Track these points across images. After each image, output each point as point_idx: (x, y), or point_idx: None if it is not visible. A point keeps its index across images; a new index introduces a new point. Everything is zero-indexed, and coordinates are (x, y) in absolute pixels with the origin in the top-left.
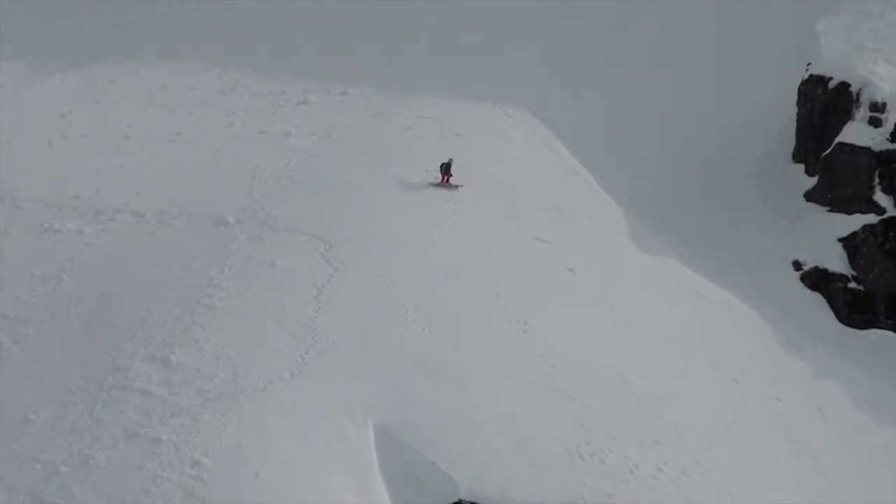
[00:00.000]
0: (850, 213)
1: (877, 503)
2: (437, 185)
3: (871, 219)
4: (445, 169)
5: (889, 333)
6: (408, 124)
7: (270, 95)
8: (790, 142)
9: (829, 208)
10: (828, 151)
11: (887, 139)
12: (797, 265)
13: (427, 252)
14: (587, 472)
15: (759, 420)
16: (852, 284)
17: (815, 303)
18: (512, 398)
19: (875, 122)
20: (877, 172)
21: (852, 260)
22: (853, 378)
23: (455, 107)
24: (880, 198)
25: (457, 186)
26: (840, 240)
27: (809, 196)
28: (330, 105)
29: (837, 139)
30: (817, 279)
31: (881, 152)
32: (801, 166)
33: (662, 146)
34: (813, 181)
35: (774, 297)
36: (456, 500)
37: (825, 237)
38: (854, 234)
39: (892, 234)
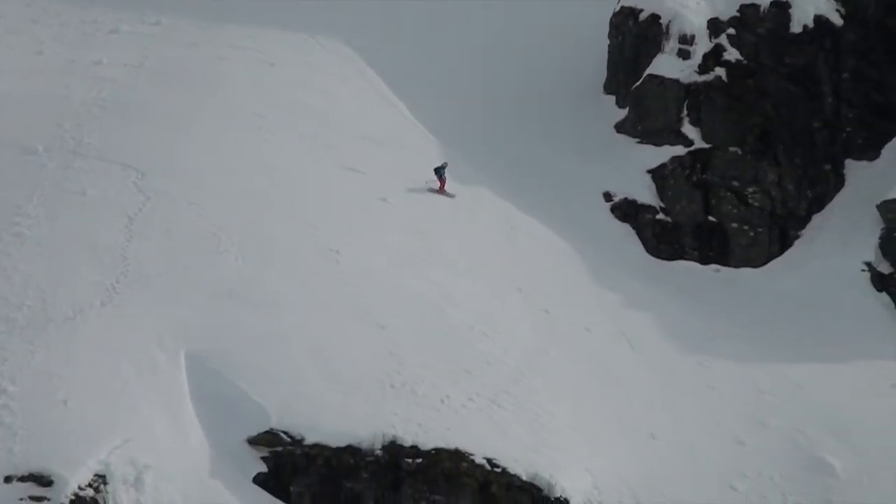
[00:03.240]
0: (659, 144)
1: (683, 430)
2: (436, 191)
3: (680, 151)
4: (441, 173)
5: (695, 265)
6: (221, 54)
7: (81, 24)
8: (602, 73)
9: (638, 140)
10: (638, 83)
11: (696, 71)
12: (608, 196)
13: (240, 181)
14: (398, 401)
15: (569, 350)
16: (660, 216)
17: (625, 234)
18: (323, 327)
19: (684, 55)
20: (685, 104)
21: (661, 191)
22: (660, 308)
23: (268, 36)
24: (688, 130)
25: (452, 196)
26: (649, 171)
27: (620, 128)
28: (142, 35)
29: (647, 71)
30: (627, 210)
31: (689, 84)
32: (613, 98)
33: (478, 77)
34: (624, 113)
35: (585, 228)
36: (266, 428)
37: (635, 169)
38: (662, 165)
39: (699, 166)
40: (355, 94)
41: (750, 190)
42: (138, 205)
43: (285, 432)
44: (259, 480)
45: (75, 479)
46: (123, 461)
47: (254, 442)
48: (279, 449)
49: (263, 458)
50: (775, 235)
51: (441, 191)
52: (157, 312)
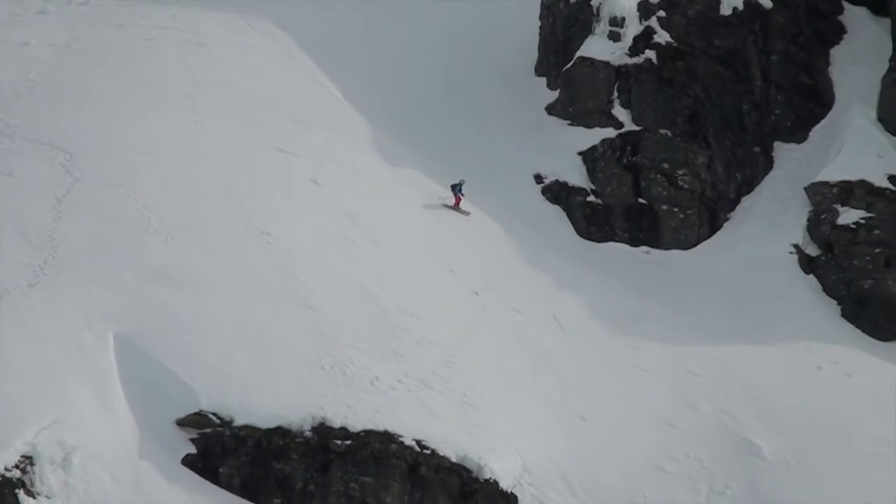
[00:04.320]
0: (589, 126)
1: (612, 412)
2: (451, 207)
3: (610, 133)
4: (458, 190)
5: (625, 246)
6: (149, 35)
7: (8, 4)
8: (533, 56)
9: (569, 122)
10: (569, 66)
11: (626, 53)
12: (538, 178)
13: (169, 163)
14: (327, 383)
15: (499, 331)
16: (591, 198)
17: (556, 215)
18: (253, 309)
19: (614, 37)
20: (615, 87)
21: (591, 173)
22: (591, 290)
23: (197, 17)
24: (619, 112)
25: (467, 213)
26: (580, 153)
27: (551, 110)
28: (70, 15)
29: (578, 53)
30: (558, 192)
31: (620, 66)
32: (544, 80)
33: (409, 59)
34: (554, 95)
35: (516, 210)
36: (195, 410)
37: (565, 151)
38: (593, 147)
39: (629, 148)
40: (285, 74)
41: (680, 172)
42: (66, 186)
43: (214, 414)
44: (188, 462)
45: (1, 460)
46: (51, 442)
47: (183, 423)
48: (208, 430)
49: (192, 440)
50: (705, 218)
51: (456, 207)
52: (86, 294)
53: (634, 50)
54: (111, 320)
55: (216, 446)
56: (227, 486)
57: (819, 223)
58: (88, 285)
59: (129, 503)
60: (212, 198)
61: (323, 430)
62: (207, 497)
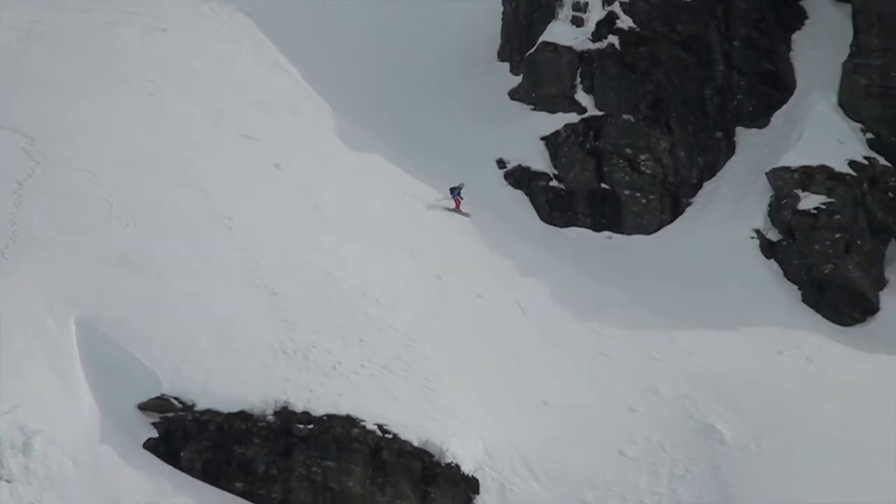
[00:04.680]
0: (552, 111)
1: (574, 397)
2: (452, 210)
3: (573, 118)
4: (457, 193)
5: (588, 231)
6: (113, 20)
7: None
8: (496, 41)
9: (532, 107)
10: (532, 51)
11: (589, 39)
12: (501, 163)
13: (132, 148)
14: (290, 367)
15: (461, 316)
16: (554, 183)
17: (518, 200)
18: (215, 293)
19: (578, 22)
20: (579, 72)
21: (554, 158)
22: (553, 275)
23: (160, 2)
24: (582, 97)
25: (468, 215)
26: (542, 138)
27: (514, 95)
28: (33, 0)
29: (541, 38)
30: (520, 177)
31: (583, 52)
32: (507, 65)
33: (372, 45)
34: (517, 80)
35: (479, 195)
36: (157, 394)
37: (528, 136)
38: (556, 132)
39: (592, 133)
40: (248, 60)
41: (642, 157)
42: (28, 170)
43: (176, 398)
44: (150, 446)
45: None
46: (11, 427)
47: (144, 408)
48: (170, 415)
49: (154, 424)
50: (667, 203)
51: (457, 210)
52: (48, 278)
53: (597, 35)
54: (73, 305)
55: (178, 430)
56: (189, 471)
57: (780, 208)
58: (50, 270)
59: (90, 487)
60: (175, 183)
61: (285, 415)
62: (169, 481)
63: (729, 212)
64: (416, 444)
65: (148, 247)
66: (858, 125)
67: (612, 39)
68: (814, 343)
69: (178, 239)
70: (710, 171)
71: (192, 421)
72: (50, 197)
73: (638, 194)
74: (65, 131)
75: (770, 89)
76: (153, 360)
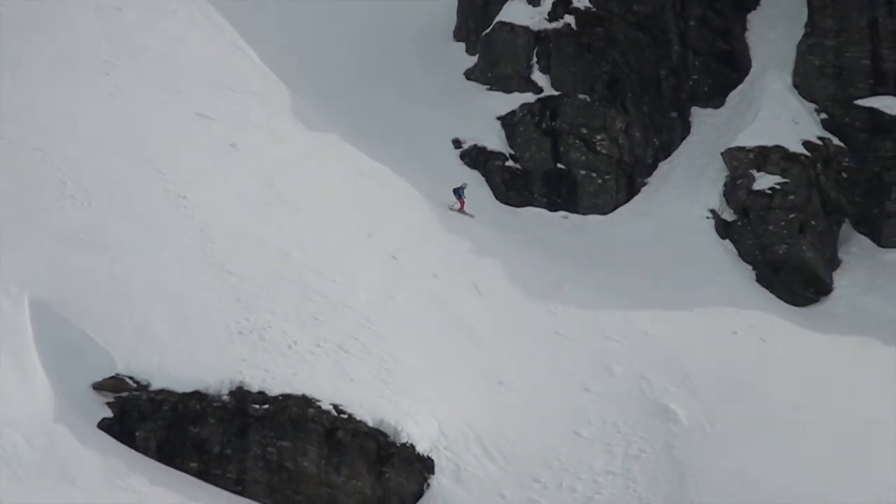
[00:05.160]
0: (508, 91)
1: (529, 377)
2: (457, 210)
3: (529, 98)
4: (461, 193)
5: (543, 211)
6: None
7: None
8: (452, 20)
9: (488, 87)
10: (488, 30)
11: (545, 18)
12: (457, 143)
13: (87, 127)
14: (245, 348)
15: (417, 296)
16: (510, 163)
17: (474, 180)
18: (171, 273)
19: (534, 2)
20: (535, 52)
21: (510, 138)
22: (508, 254)
23: None
24: (538, 77)
25: (472, 216)
26: (498, 118)
27: (470, 75)
28: None
29: (497, 18)
30: (476, 157)
31: (539, 31)
32: (463, 45)
33: (328, 23)
34: (473, 60)
35: (435, 175)
36: (112, 374)
37: (484, 116)
38: (512, 112)
39: (548, 113)
40: (204, 39)
41: (598, 137)
42: None
43: (131, 378)
44: (104, 426)
45: None
46: None
47: (99, 387)
48: (125, 394)
49: (109, 404)
50: (623, 183)
51: (461, 210)
52: (1, 258)
53: (554, 15)
54: (27, 285)
55: (133, 410)
56: (144, 450)
57: (735, 188)
58: (4, 250)
59: (44, 467)
60: (130, 162)
61: (240, 395)
62: (123, 461)
63: (684, 192)
64: (371, 424)
65: (103, 226)
66: (813, 105)
67: (569, 19)
68: (768, 323)
69: (133, 218)
70: (666, 151)
71: (147, 401)
72: (4, 177)
73: (594, 174)
74: (18, 111)
75: (725, 69)
76: (108, 340)
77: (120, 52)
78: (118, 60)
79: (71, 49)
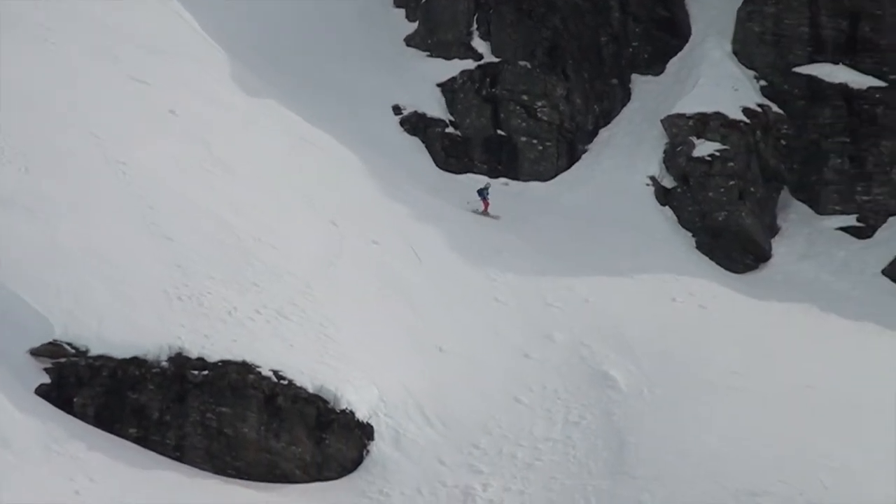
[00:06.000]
0: (448, 58)
1: (469, 343)
2: (480, 213)
3: (469, 64)
4: (485, 194)
5: (484, 178)
6: None
7: None
8: None
9: (428, 53)
10: None
11: None
12: (397, 109)
13: (23, 91)
14: (184, 313)
15: (357, 262)
16: (450, 129)
17: (414, 147)
18: (109, 239)
19: None
20: (475, 18)
21: (450, 105)
22: (448, 221)
23: None
24: (478, 44)
25: (497, 217)
26: (439, 85)
27: (410, 41)
28: None
29: None
30: (416, 123)
31: None
32: (403, 11)
33: None
34: (414, 26)
35: (375, 141)
36: (50, 339)
37: (424, 82)
38: (452, 79)
39: (488, 80)
40: (141, 4)
41: (539, 104)
42: None
43: (69, 344)
44: (42, 392)
45: None
46: None
47: (36, 353)
48: (63, 360)
49: (46, 370)
50: (563, 149)
51: (485, 212)
52: None
53: None
54: None
55: (71, 376)
56: (82, 416)
57: (675, 155)
58: None
59: None
60: (67, 127)
61: (180, 361)
62: (61, 427)
63: (624, 159)
64: (311, 390)
65: (40, 191)
66: (752, 72)
67: None
68: (707, 290)
69: (71, 184)
70: (606, 118)
71: (86, 367)
72: None
73: (534, 141)
74: None
75: (665, 36)
76: (45, 306)
77: (57, 17)
78: (55, 25)
79: (6, 14)
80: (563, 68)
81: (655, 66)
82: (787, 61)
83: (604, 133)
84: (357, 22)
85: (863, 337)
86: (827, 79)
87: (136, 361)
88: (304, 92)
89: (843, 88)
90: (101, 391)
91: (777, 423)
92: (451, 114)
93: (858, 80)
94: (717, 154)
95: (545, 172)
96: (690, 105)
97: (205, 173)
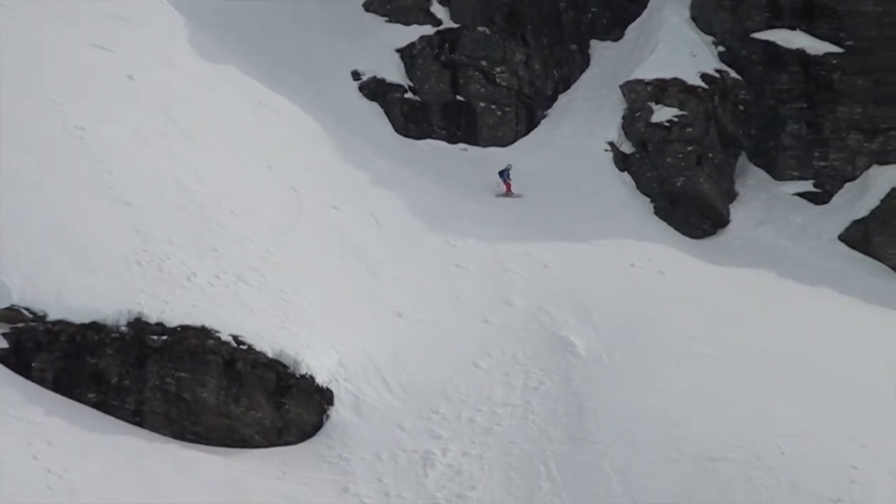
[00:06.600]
0: (407, 23)
1: (429, 309)
2: (503, 195)
3: (428, 30)
4: (506, 176)
5: (443, 143)
6: None
7: None
8: None
9: (387, 19)
10: None
11: None
12: (356, 75)
13: None
14: (144, 279)
15: (316, 228)
16: (409, 95)
17: (373, 112)
18: (67, 204)
19: None
20: None
21: (409, 70)
22: (408, 187)
23: None
24: (437, 9)
25: (520, 196)
26: (398, 50)
27: (369, 6)
28: None
29: None
30: (375, 89)
31: None
32: None
33: None
34: None
35: (334, 107)
36: (8, 304)
37: (383, 48)
38: (411, 44)
39: (447, 45)
40: None
41: (498, 70)
42: None
43: (27, 308)
44: None
45: None
46: None
47: None
48: (21, 325)
49: (4, 335)
50: (522, 115)
51: (508, 193)
52: None
53: None
54: None
55: (29, 341)
56: (40, 381)
57: (633, 121)
58: None
59: None
60: (25, 94)
61: (139, 326)
62: (19, 392)
63: (583, 124)
64: (270, 354)
65: None
66: (710, 38)
67: None
68: (666, 255)
69: (28, 150)
70: (565, 83)
71: (44, 332)
72: None
73: (493, 106)
74: None
75: (624, 2)
76: (2, 271)
77: None
78: None
79: None
80: (522, 34)
81: (614, 31)
82: (744, 27)
83: (563, 99)
84: None
85: (820, 302)
86: (784, 44)
87: (94, 326)
88: (263, 58)
89: (800, 54)
90: (60, 356)
91: (735, 389)
92: (410, 79)
93: (815, 46)
94: (676, 120)
95: (504, 138)
96: (649, 71)
97: (164, 139)
